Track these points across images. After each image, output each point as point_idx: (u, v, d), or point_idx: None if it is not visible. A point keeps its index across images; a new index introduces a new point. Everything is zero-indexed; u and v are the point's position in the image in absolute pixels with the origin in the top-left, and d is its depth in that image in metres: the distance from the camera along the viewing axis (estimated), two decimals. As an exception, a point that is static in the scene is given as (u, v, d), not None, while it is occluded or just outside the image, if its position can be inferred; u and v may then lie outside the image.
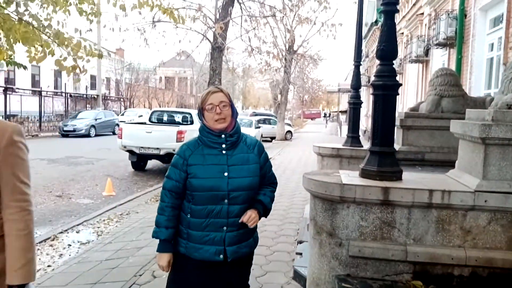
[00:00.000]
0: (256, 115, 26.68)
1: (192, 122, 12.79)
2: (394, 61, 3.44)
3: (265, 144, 21.72)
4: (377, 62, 3.53)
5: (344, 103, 39.74)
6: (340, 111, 37.59)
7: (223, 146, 2.19)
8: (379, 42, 3.41)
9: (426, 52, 11.87)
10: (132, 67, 43.42)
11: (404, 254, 3.14)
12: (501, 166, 3.04)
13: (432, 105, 6.25)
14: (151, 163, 13.06)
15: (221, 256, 2.17)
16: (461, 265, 3.08)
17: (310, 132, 29.73)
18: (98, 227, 6.51)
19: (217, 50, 9.68)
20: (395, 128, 6.73)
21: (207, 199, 2.14)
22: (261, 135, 20.47)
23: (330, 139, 23.74)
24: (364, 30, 26.68)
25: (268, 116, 27.46)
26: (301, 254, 4.37)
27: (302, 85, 29.21)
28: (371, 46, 24.41)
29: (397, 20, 16.95)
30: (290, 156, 14.32)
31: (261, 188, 2.34)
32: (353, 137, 6.46)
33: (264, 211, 2.33)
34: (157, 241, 2.26)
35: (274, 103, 30.06)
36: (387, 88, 3.40)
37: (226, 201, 2.14)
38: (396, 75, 3.44)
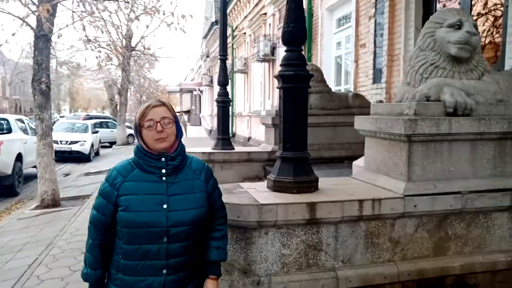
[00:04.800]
0: (91, 118, 23.73)
1: (10, 130, 10.17)
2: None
3: (105, 151, 19.48)
4: (283, 48, 2.86)
5: (185, 103, 39.10)
6: (183, 111, 36.86)
7: (163, 171, 1.79)
8: (286, 22, 2.76)
9: (272, 51, 12.08)
10: None
11: (335, 282, 2.57)
12: (424, 165, 2.73)
13: (302, 102, 6.01)
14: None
15: None
16: (394, 282, 2.68)
17: (152, 135, 28.09)
18: None
19: (43, 39, 7.74)
20: (265, 126, 6.39)
21: (141, 237, 1.74)
22: (99, 141, 18.16)
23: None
24: (204, 29, 26.54)
25: (105, 119, 24.81)
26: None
27: (141, 85, 27.43)
28: (211, 45, 24.31)
29: (239, 20, 17.09)
30: (137, 162, 12.72)
31: (210, 230, 1.92)
32: (224, 139, 5.78)
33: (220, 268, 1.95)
34: None
35: (111, 104, 27.40)
36: (299, 79, 2.77)
37: (165, 239, 1.75)
38: (306, 64, 2.84)
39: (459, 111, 2.72)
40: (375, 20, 6.50)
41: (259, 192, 2.74)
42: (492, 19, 5.40)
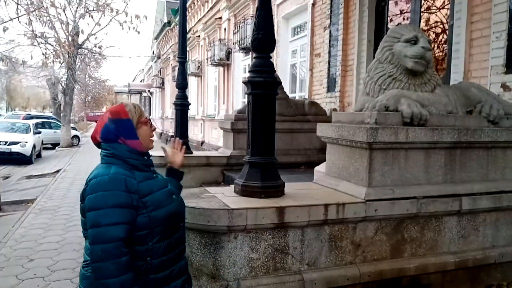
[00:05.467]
0: (32, 117, 22.32)
1: None
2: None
3: (48, 153, 18.38)
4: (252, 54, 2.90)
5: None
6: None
7: (151, 168, 1.89)
8: (256, 29, 2.81)
9: (228, 56, 12.11)
10: None
11: (301, 285, 2.64)
12: (383, 172, 2.88)
13: (260, 107, 6.08)
14: None
15: (187, 286, 1.96)
16: (356, 283, 2.79)
17: (98, 136, 26.86)
18: None
19: (-16, 32, 7.26)
20: (223, 131, 6.39)
21: (172, 229, 1.85)
22: (42, 142, 17.15)
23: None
24: (156, 29, 26.03)
25: (48, 119, 23.44)
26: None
27: (87, 84, 26.28)
28: (163, 47, 23.88)
29: (193, 23, 16.95)
30: (85, 165, 11.94)
31: None
32: (183, 143, 5.69)
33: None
34: None
35: (54, 104, 25.94)
36: (268, 86, 2.83)
37: (182, 224, 1.95)
38: (275, 71, 2.90)
39: (415, 121, 2.91)
40: (330, 31, 6.74)
41: (227, 196, 2.75)
42: (433, 35, 5.81)
